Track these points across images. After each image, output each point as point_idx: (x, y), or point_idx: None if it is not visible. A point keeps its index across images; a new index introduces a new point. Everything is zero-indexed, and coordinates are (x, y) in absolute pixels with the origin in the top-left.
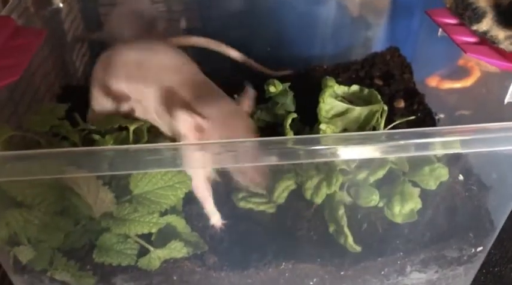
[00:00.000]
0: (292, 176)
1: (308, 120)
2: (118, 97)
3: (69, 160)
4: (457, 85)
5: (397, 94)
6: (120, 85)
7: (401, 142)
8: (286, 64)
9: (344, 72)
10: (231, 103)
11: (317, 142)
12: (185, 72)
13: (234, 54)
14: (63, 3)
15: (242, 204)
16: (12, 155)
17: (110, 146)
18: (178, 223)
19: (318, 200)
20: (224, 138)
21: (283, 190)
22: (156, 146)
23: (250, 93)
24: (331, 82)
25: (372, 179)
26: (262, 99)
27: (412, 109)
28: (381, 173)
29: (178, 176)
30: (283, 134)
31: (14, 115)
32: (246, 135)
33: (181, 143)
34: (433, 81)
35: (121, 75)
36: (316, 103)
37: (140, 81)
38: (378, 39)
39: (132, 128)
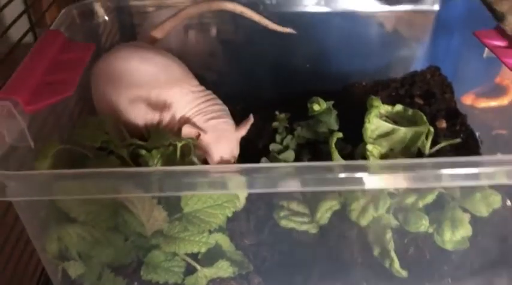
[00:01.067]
0: (336, 196)
1: (349, 137)
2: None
3: (122, 179)
4: (493, 103)
5: (439, 114)
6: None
7: (449, 171)
8: (325, 80)
9: (383, 90)
10: (228, 124)
11: (365, 169)
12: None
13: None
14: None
15: (284, 223)
16: (67, 174)
17: (160, 168)
18: (224, 241)
19: (364, 222)
20: (214, 152)
21: (326, 210)
22: (203, 168)
23: (250, 121)
24: (376, 102)
25: (421, 204)
26: (302, 117)
27: (455, 130)
28: (430, 198)
29: (226, 195)
30: (325, 152)
31: (56, 128)
32: (230, 155)
33: (229, 165)
34: (468, 99)
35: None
36: (356, 120)
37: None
38: (417, 58)
39: (179, 145)
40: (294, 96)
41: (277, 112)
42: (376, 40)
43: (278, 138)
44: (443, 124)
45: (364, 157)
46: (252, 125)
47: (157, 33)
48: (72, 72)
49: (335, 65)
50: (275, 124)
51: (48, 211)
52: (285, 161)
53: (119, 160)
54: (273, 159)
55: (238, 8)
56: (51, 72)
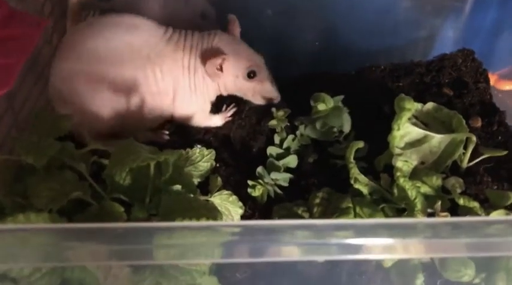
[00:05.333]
0: None
1: (363, 133)
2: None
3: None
4: None
5: (472, 109)
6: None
7: None
8: (336, 62)
9: (406, 76)
10: (228, 36)
11: None
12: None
13: None
14: None
15: None
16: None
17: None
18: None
19: (388, 263)
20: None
21: None
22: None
23: (233, 20)
24: (409, 104)
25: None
26: (306, 109)
27: (491, 130)
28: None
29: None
30: (334, 155)
31: (13, 128)
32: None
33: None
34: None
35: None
36: (372, 111)
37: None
38: (444, 37)
39: (152, 163)
40: (297, 81)
41: (273, 109)
42: (394, 13)
43: (277, 138)
44: (478, 122)
45: (386, 167)
46: (245, 124)
47: None
48: (14, 55)
49: (347, 44)
50: (272, 122)
51: None
52: (286, 167)
53: (76, 175)
54: (272, 166)
55: None
56: None
